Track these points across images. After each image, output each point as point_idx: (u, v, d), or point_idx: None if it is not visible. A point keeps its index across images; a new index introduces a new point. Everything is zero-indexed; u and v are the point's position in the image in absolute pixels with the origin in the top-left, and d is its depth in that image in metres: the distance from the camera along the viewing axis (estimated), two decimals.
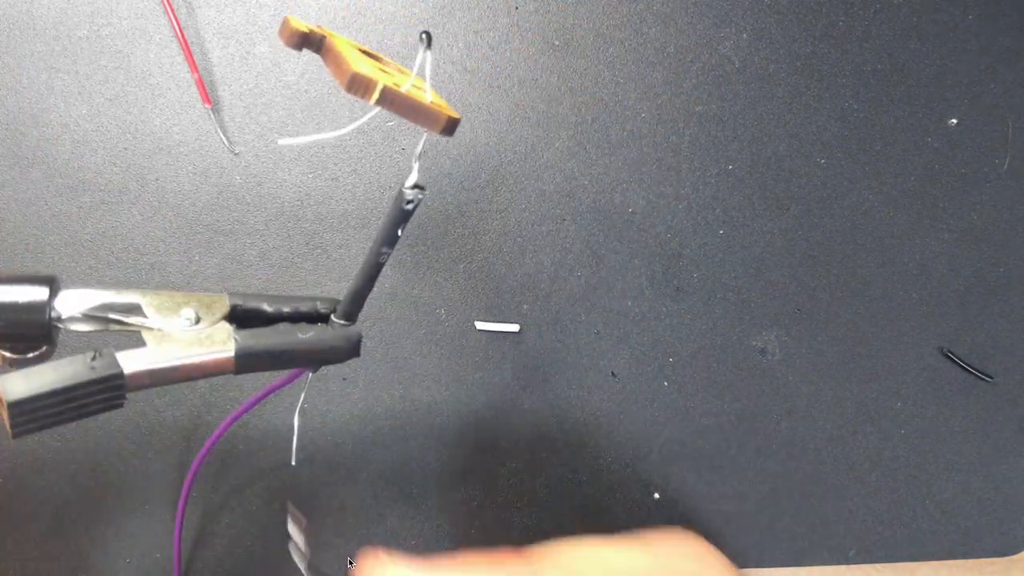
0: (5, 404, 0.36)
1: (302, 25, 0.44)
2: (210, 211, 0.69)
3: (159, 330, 0.43)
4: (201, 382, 0.70)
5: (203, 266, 0.69)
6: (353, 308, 0.48)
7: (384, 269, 0.48)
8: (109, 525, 0.70)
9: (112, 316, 0.43)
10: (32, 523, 0.69)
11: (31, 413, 0.36)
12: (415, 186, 0.45)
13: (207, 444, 0.59)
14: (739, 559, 0.80)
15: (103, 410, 0.39)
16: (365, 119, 0.45)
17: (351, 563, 0.74)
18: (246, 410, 0.56)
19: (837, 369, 0.79)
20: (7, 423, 0.36)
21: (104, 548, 0.70)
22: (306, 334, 0.46)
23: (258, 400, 0.55)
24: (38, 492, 0.69)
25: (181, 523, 0.68)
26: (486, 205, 0.72)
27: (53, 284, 0.43)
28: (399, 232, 0.46)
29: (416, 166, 0.44)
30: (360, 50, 0.48)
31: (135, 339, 0.42)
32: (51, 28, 0.65)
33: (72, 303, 0.43)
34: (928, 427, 0.81)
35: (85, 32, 0.66)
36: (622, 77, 0.73)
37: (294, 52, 0.69)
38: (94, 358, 0.39)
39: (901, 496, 0.81)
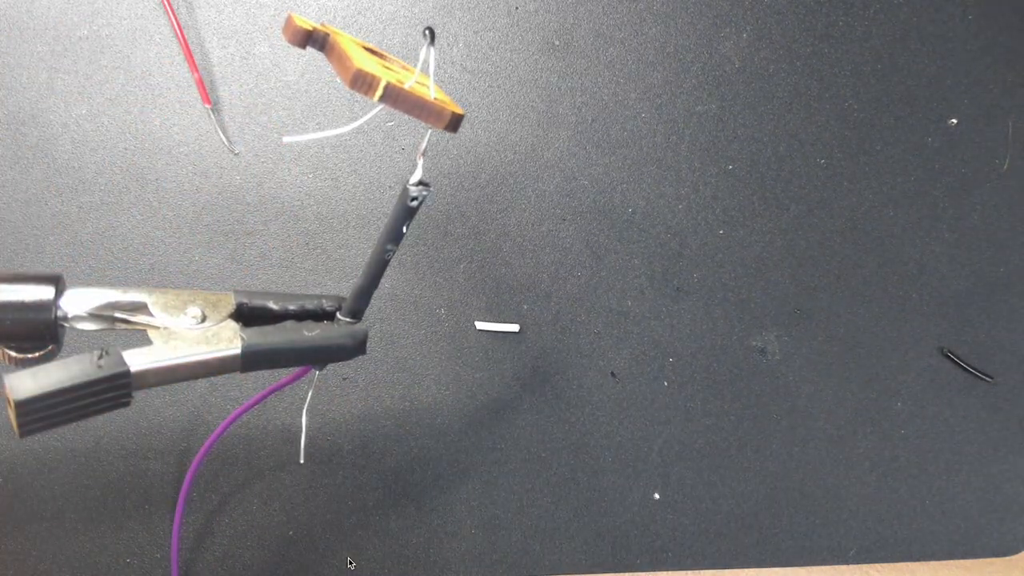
0: (13, 403, 0.36)
1: (306, 23, 0.44)
2: (210, 211, 0.69)
3: (165, 328, 0.43)
4: (201, 382, 0.70)
5: (203, 266, 0.69)
6: (359, 305, 0.48)
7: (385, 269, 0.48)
8: (109, 525, 0.70)
9: (118, 315, 0.43)
10: (32, 523, 0.69)
11: (39, 412, 0.36)
12: (420, 183, 0.45)
13: (208, 442, 0.59)
14: (739, 559, 0.80)
15: (110, 408, 0.39)
16: (370, 115, 0.45)
17: (351, 564, 0.74)
18: (248, 408, 0.56)
19: (837, 369, 0.79)
20: (14, 422, 0.36)
21: (104, 548, 0.70)
22: (312, 332, 0.46)
23: (262, 398, 0.55)
24: (38, 492, 0.69)
25: (180, 523, 0.68)
26: (486, 205, 0.72)
27: (59, 283, 0.43)
28: (404, 229, 0.46)
29: (420, 163, 0.44)
30: (364, 47, 0.48)
31: (141, 338, 0.42)
32: (51, 28, 0.65)
33: (78, 302, 0.43)
34: (928, 427, 0.81)
35: (85, 32, 0.66)
36: (622, 77, 0.73)
37: (294, 52, 0.69)
38: (101, 357, 0.38)
39: (901, 496, 0.82)
